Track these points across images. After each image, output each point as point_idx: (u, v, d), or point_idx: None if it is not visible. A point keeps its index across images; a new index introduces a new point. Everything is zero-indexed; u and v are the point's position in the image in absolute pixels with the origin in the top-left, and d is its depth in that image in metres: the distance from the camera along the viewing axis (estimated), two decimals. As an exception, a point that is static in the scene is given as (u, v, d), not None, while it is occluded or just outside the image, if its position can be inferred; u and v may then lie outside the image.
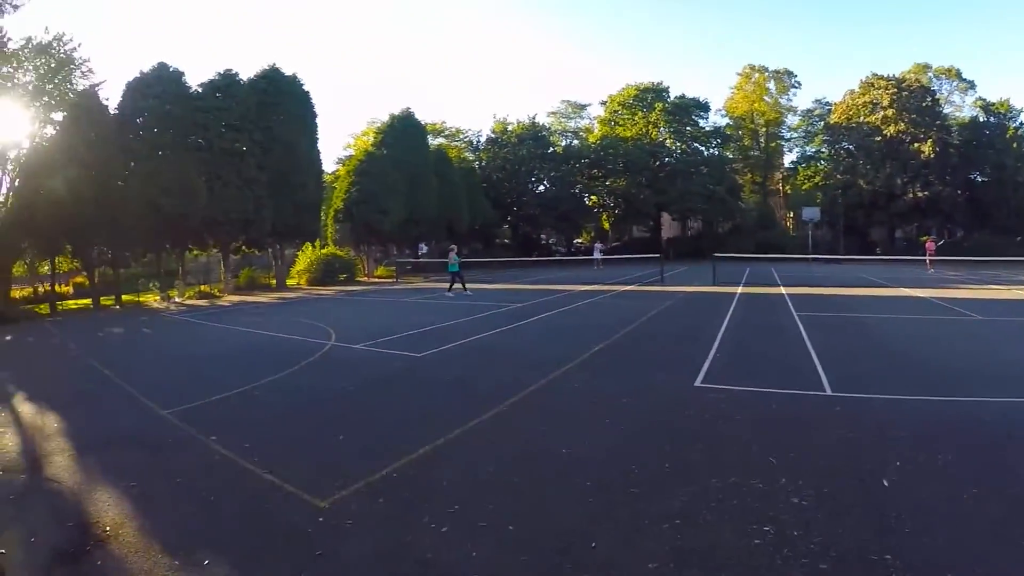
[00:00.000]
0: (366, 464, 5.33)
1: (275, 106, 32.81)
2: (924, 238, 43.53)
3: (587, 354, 10.27)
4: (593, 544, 3.87)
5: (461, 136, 63.76)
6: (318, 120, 36.34)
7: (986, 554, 3.70)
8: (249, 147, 30.57)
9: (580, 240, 66.02)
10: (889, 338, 11.84)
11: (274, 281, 34.30)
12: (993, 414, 6.57)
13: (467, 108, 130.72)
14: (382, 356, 10.74)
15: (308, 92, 35.52)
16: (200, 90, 30.17)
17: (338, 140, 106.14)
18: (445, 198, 43.92)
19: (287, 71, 34.64)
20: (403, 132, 42.76)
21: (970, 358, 9.80)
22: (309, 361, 10.44)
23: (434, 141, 55.49)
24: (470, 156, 60.10)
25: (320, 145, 36.92)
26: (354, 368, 9.86)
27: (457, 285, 23.23)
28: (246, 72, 33.94)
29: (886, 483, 4.79)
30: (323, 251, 36.63)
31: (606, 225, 65.58)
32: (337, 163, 54.71)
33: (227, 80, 31.12)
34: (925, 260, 36.56)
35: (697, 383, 8.11)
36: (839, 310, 16.24)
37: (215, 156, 28.68)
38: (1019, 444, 5.69)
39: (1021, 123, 53.24)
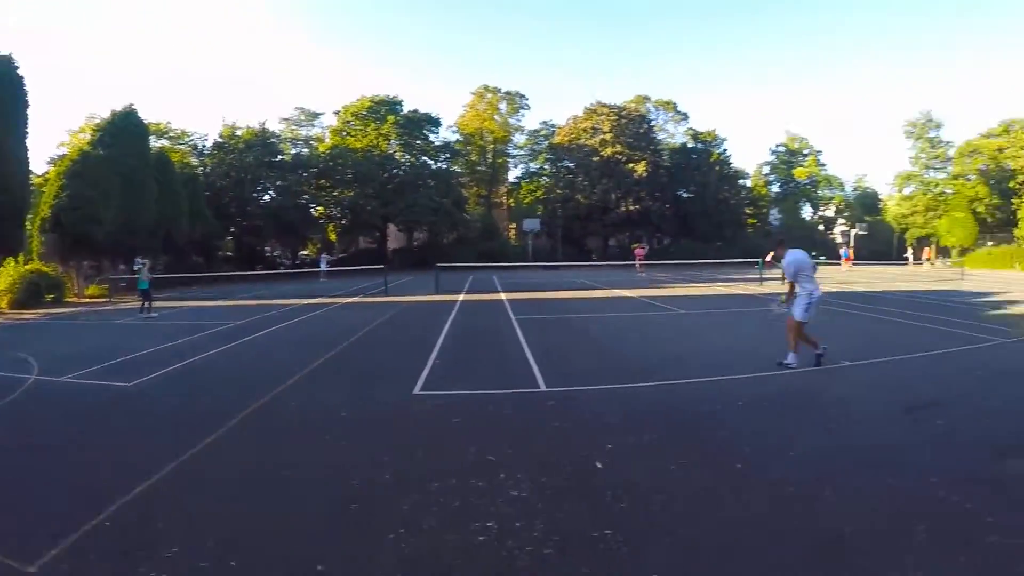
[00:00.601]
0: (76, 515, 4.57)
1: (-20, 91, 27.21)
2: (634, 245, 49.98)
3: (308, 369, 9.86)
4: (319, 567, 3.71)
5: (187, 139, 58.13)
6: (30, 112, 30.87)
7: (696, 518, 4.21)
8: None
9: (306, 252, 64.59)
10: (601, 334, 13.25)
11: (-32, 306, 28.25)
12: (692, 393, 7.74)
13: (196, 109, 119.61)
14: (91, 388, 9.25)
15: (22, 77, 30.05)
16: None
17: (51, 137, 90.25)
18: (165, 207, 39.72)
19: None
20: (124, 131, 37.61)
21: (673, 347, 11.36)
22: (7, 400, 8.70)
23: (157, 143, 50.45)
24: (195, 161, 55.41)
25: (30, 142, 31.28)
26: (59, 404, 8.36)
27: (146, 304, 20.97)
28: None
29: (600, 465, 5.22)
30: (27, 267, 30.99)
31: (333, 236, 64.57)
32: (49, 163, 46.68)
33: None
34: (635, 264, 41.52)
35: (416, 391, 8.14)
36: (555, 312, 17.80)
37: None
38: (714, 419, 6.68)
39: (724, 149, 68.91)
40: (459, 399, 7.64)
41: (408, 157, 62.02)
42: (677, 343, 12.09)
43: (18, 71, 30.39)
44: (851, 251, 49.89)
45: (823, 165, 78.18)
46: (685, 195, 67.28)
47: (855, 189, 79.17)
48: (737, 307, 18.69)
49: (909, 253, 56.37)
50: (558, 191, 63.52)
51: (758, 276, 29.18)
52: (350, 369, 10.15)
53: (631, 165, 60.64)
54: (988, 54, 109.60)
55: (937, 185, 61.63)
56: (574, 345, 11.80)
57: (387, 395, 8.05)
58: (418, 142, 62.27)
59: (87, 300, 31.53)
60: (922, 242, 61.49)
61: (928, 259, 52.69)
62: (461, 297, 22.96)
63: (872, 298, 20.79)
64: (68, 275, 34.71)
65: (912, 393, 7.76)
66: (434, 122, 63.28)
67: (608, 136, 61.39)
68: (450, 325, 14.88)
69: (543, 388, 8.12)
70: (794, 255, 9.18)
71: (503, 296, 23.06)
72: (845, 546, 3.76)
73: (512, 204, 77.11)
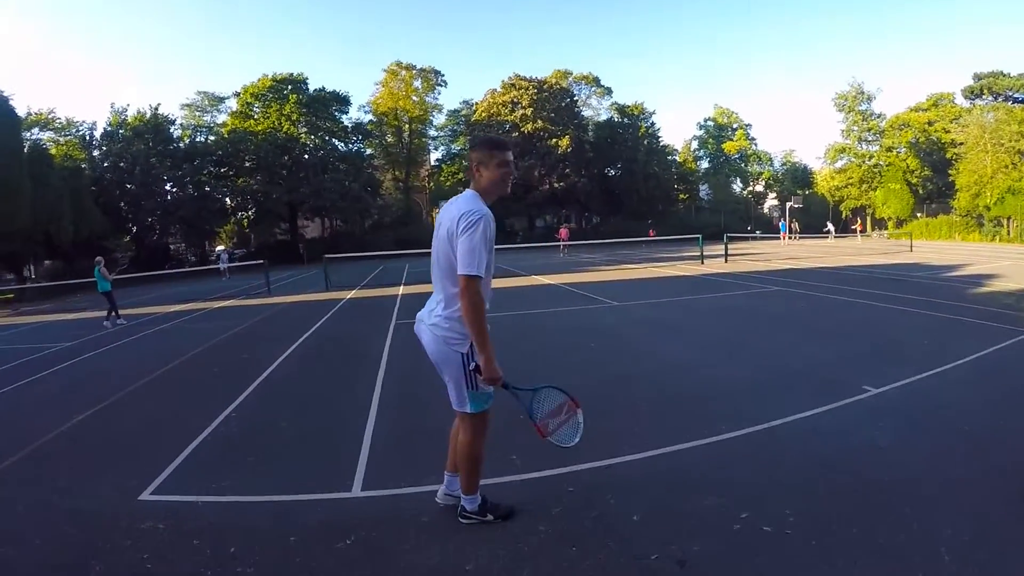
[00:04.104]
0: None
1: None
2: (562, 225, 47.75)
3: (51, 435, 6.17)
4: None
5: (73, 129, 51.81)
6: None
7: None
8: None
9: (222, 247, 58.99)
10: (499, 345, 9.42)
11: None
12: (678, 476, 4.10)
13: (90, 95, 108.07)
14: None
15: None
16: None
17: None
18: (41, 206, 35.14)
19: None
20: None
21: (611, 369, 7.57)
22: None
23: (42, 135, 46.88)
24: (82, 154, 49.61)
25: None
26: None
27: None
28: None
29: None
30: None
31: (246, 228, 59.77)
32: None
33: None
34: (560, 246, 38.90)
35: (147, 493, 4.44)
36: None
37: None
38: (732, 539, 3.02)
39: (652, 123, 66.40)
40: (202, 520, 3.95)
41: (315, 139, 57.32)
42: (616, 361, 8.14)
43: None
44: (789, 224, 47.93)
45: (752, 139, 77.26)
46: (612, 172, 65.53)
47: (783, 164, 78.26)
48: (686, 293, 15.16)
49: (829, 227, 51.56)
50: (479, 170, 60.05)
51: (699, 254, 26.02)
52: (100, 437, 6.20)
53: (554, 140, 57.97)
54: (917, 26, 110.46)
55: (871, 157, 60.13)
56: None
57: (100, 502, 4.37)
58: (326, 123, 57.56)
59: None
60: (857, 214, 59.86)
61: (860, 231, 49.97)
62: (351, 294, 19.36)
63: (833, 276, 17.99)
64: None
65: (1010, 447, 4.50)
66: (343, 101, 58.70)
67: (528, 111, 58.32)
68: (302, 343, 11.03)
69: (356, 492, 4.36)
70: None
71: (401, 291, 19.52)
72: None
73: (433, 188, 73.43)
